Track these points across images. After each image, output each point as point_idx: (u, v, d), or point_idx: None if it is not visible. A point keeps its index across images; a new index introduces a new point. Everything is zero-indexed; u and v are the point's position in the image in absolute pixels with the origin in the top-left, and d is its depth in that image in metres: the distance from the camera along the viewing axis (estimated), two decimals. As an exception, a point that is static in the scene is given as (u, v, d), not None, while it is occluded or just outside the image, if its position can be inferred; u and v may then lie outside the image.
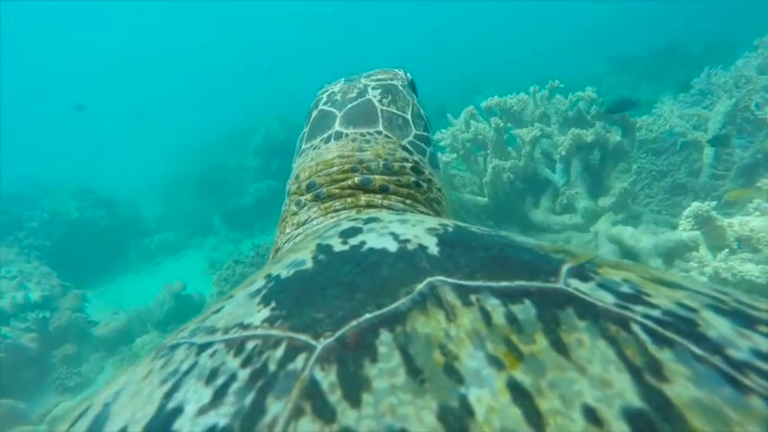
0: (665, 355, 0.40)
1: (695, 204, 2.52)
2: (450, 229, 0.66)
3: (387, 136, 1.15)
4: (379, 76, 1.29)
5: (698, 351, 0.40)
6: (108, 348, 5.69)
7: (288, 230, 1.08)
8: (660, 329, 0.42)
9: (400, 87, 1.27)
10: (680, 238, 2.98)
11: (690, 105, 5.41)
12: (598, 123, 4.06)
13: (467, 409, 0.36)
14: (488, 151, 4.38)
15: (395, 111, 1.19)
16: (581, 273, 0.51)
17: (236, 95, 20.88)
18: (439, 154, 1.38)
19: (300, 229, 1.05)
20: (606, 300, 0.46)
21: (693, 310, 0.46)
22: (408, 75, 1.35)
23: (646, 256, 3.26)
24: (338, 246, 0.65)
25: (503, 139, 4.39)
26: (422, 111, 1.28)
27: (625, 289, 0.49)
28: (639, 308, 0.45)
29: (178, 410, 0.42)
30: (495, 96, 4.43)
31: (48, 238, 8.73)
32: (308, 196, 1.09)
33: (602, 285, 0.49)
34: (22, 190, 10.31)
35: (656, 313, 0.44)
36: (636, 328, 0.42)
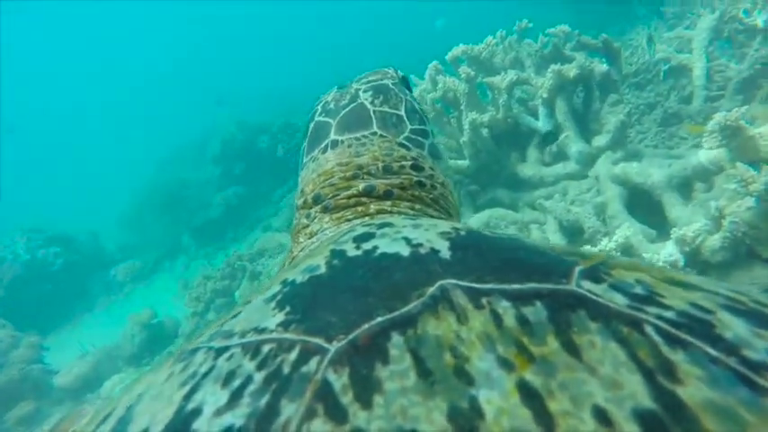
0: (678, 357, 0.39)
1: (721, 115, 2.07)
2: (462, 233, 0.67)
3: (382, 135, 1.15)
4: (370, 78, 1.30)
5: (713, 352, 0.40)
6: (73, 397, 5.04)
7: (302, 240, 1.09)
8: (673, 331, 0.42)
9: (391, 86, 1.27)
10: (698, 163, 2.54)
11: (668, 30, 5.02)
12: (578, 55, 3.60)
13: (477, 411, 0.37)
14: (462, 107, 3.88)
15: (387, 109, 1.20)
16: (594, 274, 0.51)
17: (186, 107, 19.90)
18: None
19: (314, 238, 1.05)
20: (619, 301, 0.46)
21: (709, 311, 0.46)
22: (399, 72, 1.36)
23: (659, 192, 2.82)
24: (352, 251, 0.66)
25: (476, 92, 3.90)
26: (416, 105, 1.27)
27: (638, 290, 0.49)
28: (652, 309, 0.45)
29: (197, 411, 0.43)
30: (461, 45, 3.93)
31: (-1, 287, 7.94)
32: (317, 208, 1.10)
33: (615, 287, 0.49)
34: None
35: (669, 314, 0.44)
36: (648, 329, 0.42)
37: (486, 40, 4.04)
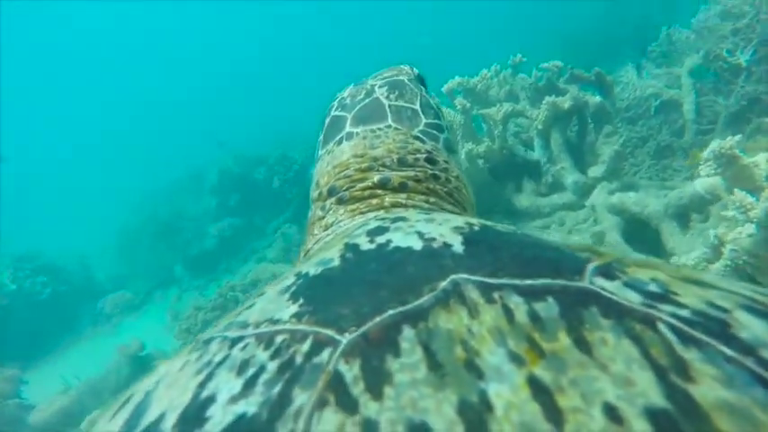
0: (691, 355, 0.39)
1: (716, 142, 2.09)
2: (475, 228, 0.67)
3: (397, 128, 1.16)
4: (385, 74, 1.31)
5: (728, 352, 0.39)
6: (52, 434, 4.80)
7: (317, 232, 1.09)
8: (688, 329, 0.42)
9: (407, 81, 1.28)
10: (695, 192, 2.55)
11: (655, 68, 5.18)
12: (572, 88, 3.69)
13: (486, 404, 0.37)
14: (458, 138, 3.93)
15: (402, 104, 1.21)
16: (607, 272, 0.50)
17: (184, 138, 20.08)
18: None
19: (329, 231, 1.05)
20: (632, 299, 0.46)
21: (725, 311, 0.45)
22: (414, 69, 1.36)
23: (656, 221, 2.82)
24: (365, 244, 0.67)
25: (471, 123, 3.96)
26: (432, 101, 1.28)
27: (652, 288, 0.48)
28: (667, 307, 0.45)
29: (211, 399, 0.43)
30: (456, 77, 4.01)
31: (-19, 318, 7.70)
32: (332, 200, 1.09)
33: (629, 284, 0.48)
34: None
35: (684, 313, 0.44)
36: (662, 327, 0.42)
37: (481, 73, 4.14)
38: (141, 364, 5.35)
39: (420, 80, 1.36)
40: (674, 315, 0.43)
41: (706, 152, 2.15)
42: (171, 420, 0.44)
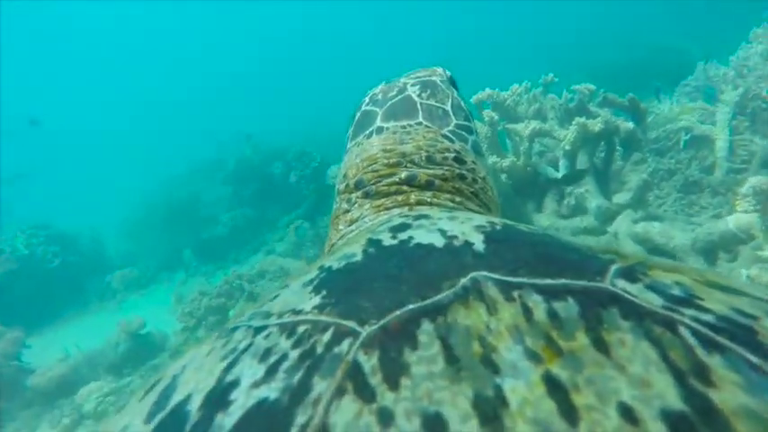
0: (713, 361, 0.38)
1: (757, 178, 2.02)
2: (497, 227, 0.67)
3: (427, 126, 1.16)
4: (418, 74, 1.32)
5: (754, 359, 0.38)
6: (46, 401, 4.80)
7: (341, 227, 1.09)
8: (711, 334, 0.41)
9: (439, 82, 1.28)
10: (726, 229, 2.46)
11: (689, 102, 5.08)
12: (603, 112, 3.62)
13: (501, 399, 0.37)
14: (483, 150, 3.88)
15: (434, 103, 1.21)
16: (629, 274, 0.50)
17: (209, 126, 20.35)
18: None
19: (353, 226, 1.05)
20: (654, 301, 0.46)
21: (752, 317, 0.44)
22: (447, 72, 1.37)
23: (681, 255, 2.73)
24: (387, 240, 0.68)
25: (497, 137, 3.91)
26: (462, 103, 1.29)
27: (676, 292, 0.48)
28: (689, 311, 0.44)
29: (235, 383, 0.45)
30: (487, 89, 3.98)
31: (-8, 278, 7.81)
32: (358, 194, 1.10)
33: (651, 287, 0.48)
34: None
35: (707, 318, 0.43)
36: (683, 331, 0.42)
37: (511, 87, 4.09)
38: (140, 342, 5.36)
39: (452, 83, 1.36)
40: (696, 319, 0.43)
41: (745, 188, 2.08)
42: (197, 402, 0.46)
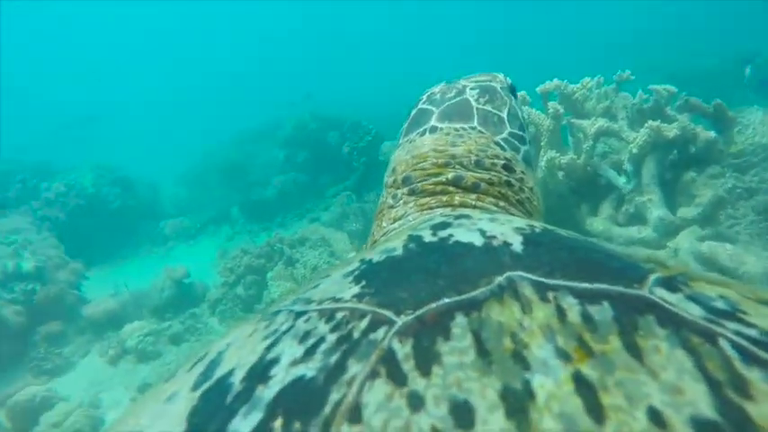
0: (753, 374, 0.38)
1: None
2: (537, 230, 0.67)
3: (480, 132, 1.16)
4: (479, 78, 1.31)
5: None
6: (96, 331, 5.20)
7: (385, 224, 1.11)
8: (753, 348, 0.40)
9: (498, 88, 1.28)
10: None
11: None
12: (682, 117, 3.31)
13: (529, 393, 0.38)
14: (542, 143, 3.67)
15: (491, 109, 1.21)
16: (670, 284, 0.49)
17: (274, 91, 20.77)
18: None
19: (396, 224, 1.07)
20: (694, 312, 0.45)
21: None
22: (508, 79, 1.36)
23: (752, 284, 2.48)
24: (428, 237, 0.69)
25: (560, 131, 3.69)
26: (519, 113, 1.28)
27: (719, 305, 0.47)
28: (732, 324, 0.43)
29: (275, 361, 0.48)
30: (555, 79, 3.73)
31: (62, 211, 8.47)
32: (404, 190, 1.12)
33: (692, 298, 0.47)
34: (44, 159, 10.17)
35: (751, 332, 0.42)
36: (723, 343, 0.41)
37: (582, 80, 3.82)
38: (182, 290, 5.65)
39: (512, 90, 1.35)
40: (738, 333, 0.42)
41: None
42: (240, 375, 0.49)
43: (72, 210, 8.59)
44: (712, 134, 3.16)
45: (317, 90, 15.32)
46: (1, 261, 5.26)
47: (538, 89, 3.83)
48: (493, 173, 1.12)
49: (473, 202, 1.05)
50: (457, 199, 1.06)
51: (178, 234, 9.22)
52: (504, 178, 1.13)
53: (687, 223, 3.07)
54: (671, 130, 3.18)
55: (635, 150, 3.37)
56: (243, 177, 10.92)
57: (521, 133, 1.24)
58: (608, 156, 4.00)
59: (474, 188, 1.08)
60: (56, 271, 5.68)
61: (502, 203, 1.09)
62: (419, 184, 1.11)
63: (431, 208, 1.06)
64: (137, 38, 34.82)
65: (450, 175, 1.09)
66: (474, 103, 1.22)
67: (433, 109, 1.24)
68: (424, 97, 1.33)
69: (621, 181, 3.53)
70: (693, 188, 3.30)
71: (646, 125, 3.29)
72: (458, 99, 1.24)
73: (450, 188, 1.08)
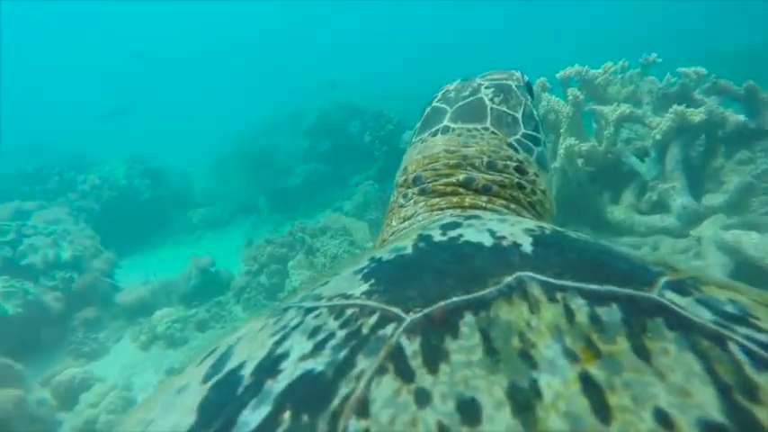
0: (763, 379, 0.38)
1: None
2: (546, 232, 0.68)
3: (493, 132, 1.16)
4: (494, 76, 1.31)
5: None
6: (128, 317, 5.46)
7: (394, 223, 1.12)
8: (764, 353, 0.40)
9: (514, 87, 1.27)
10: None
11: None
12: (710, 100, 3.17)
13: (535, 392, 0.38)
14: (562, 130, 3.60)
15: (505, 109, 1.21)
16: (680, 287, 0.50)
17: (296, 80, 20.92)
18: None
19: (406, 224, 1.08)
20: (704, 316, 0.45)
21: None
22: (525, 77, 1.35)
23: (776, 275, 2.39)
24: (438, 236, 0.70)
25: (580, 118, 3.59)
26: (535, 112, 1.28)
27: (729, 309, 0.47)
28: (742, 329, 0.43)
29: (284, 355, 0.49)
30: (576, 65, 3.63)
31: (97, 202, 8.85)
32: (415, 190, 1.12)
33: (702, 302, 0.48)
34: (78, 151, 10.60)
35: (762, 337, 0.42)
36: (733, 347, 0.41)
37: (604, 65, 3.70)
38: (209, 278, 5.85)
39: (528, 88, 1.33)
40: (749, 338, 0.42)
41: None
42: (249, 368, 0.50)
43: (106, 201, 8.97)
44: (742, 118, 3.02)
45: (341, 78, 15.35)
46: (42, 251, 5.57)
47: (558, 75, 3.74)
48: (505, 175, 1.11)
49: (484, 204, 1.05)
50: (467, 200, 1.06)
51: (207, 223, 9.49)
52: (516, 180, 1.12)
53: (712, 211, 2.96)
54: (697, 115, 3.06)
55: (658, 136, 3.26)
56: (268, 167, 11.09)
57: (535, 134, 1.23)
58: (632, 142, 3.89)
59: (485, 190, 1.08)
60: (91, 260, 5.97)
61: (513, 206, 1.09)
62: (430, 185, 1.11)
63: (441, 209, 1.06)
64: (163, 29, 35.60)
65: (461, 177, 1.09)
66: (488, 103, 1.21)
67: (447, 108, 1.24)
68: (439, 95, 1.32)
69: (644, 168, 3.43)
70: (722, 174, 3.18)
71: (670, 110, 3.18)
72: (472, 98, 1.23)
73: (461, 189, 1.08)
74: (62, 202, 8.48)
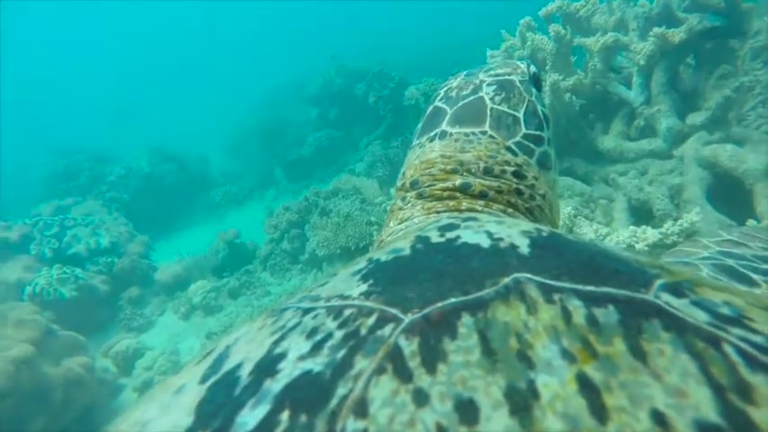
0: (757, 380, 0.38)
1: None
2: (544, 234, 0.68)
3: (491, 136, 1.15)
4: (498, 71, 1.27)
5: None
6: (167, 292, 5.95)
7: (392, 225, 1.13)
8: (759, 355, 0.41)
9: (517, 83, 1.23)
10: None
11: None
12: (691, 18, 3.17)
13: (533, 392, 0.38)
14: (547, 68, 3.66)
15: (505, 109, 1.18)
16: (676, 289, 0.50)
17: (297, 51, 20.73)
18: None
19: (403, 225, 1.09)
20: (699, 317, 0.45)
21: None
22: (532, 67, 1.30)
23: (752, 181, 2.51)
24: (435, 238, 0.69)
25: (566, 53, 3.63)
26: (539, 107, 1.24)
27: (724, 310, 0.47)
28: (737, 330, 0.44)
29: (283, 355, 0.49)
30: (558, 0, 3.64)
31: (125, 192, 9.36)
32: (413, 193, 1.13)
33: (698, 303, 0.48)
34: (100, 146, 11.08)
35: (757, 339, 0.43)
36: (728, 348, 0.41)
37: (586, -5, 3.69)
38: (236, 250, 6.25)
39: (534, 80, 1.29)
40: (743, 339, 0.43)
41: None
42: (247, 368, 0.50)
43: (134, 190, 9.49)
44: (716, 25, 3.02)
45: (339, 46, 15.17)
46: (84, 240, 6.08)
47: (540, 13, 3.76)
48: (502, 180, 1.10)
49: (480, 209, 1.05)
50: (464, 204, 1.06)
51: (228, 200, 9.92)
52: (515, 186, 1.10)
53: (696, 129, 3.04)
54: (676, 35, 3.09)
55: (642, 62, 3.31)
56: (280, 139, 11.33)
57: (537, 133, 1.19)
58: (623, 71, 3.91)
59: (481, 196, 1.08)
60: (127, 244, 6.46)
61: (510, 211, 1.08)
62: (427, 189, 1.11)
63: (437, 211, 1.06)
64: (162, 25, 35.36)
65: (457, 182, 1.09)
66: (489, 103, 1.18)
67: (447, 109, 1.22)
68: (441, 92, 1.29)
69: (632, 95, 3.49)
70: (706, 92, 3.22)
71: (650, 33, 3.21)
72: (472, 98, 1.20)
73: (458, 194, 1.08)
74: (95, 195, 9.03)
